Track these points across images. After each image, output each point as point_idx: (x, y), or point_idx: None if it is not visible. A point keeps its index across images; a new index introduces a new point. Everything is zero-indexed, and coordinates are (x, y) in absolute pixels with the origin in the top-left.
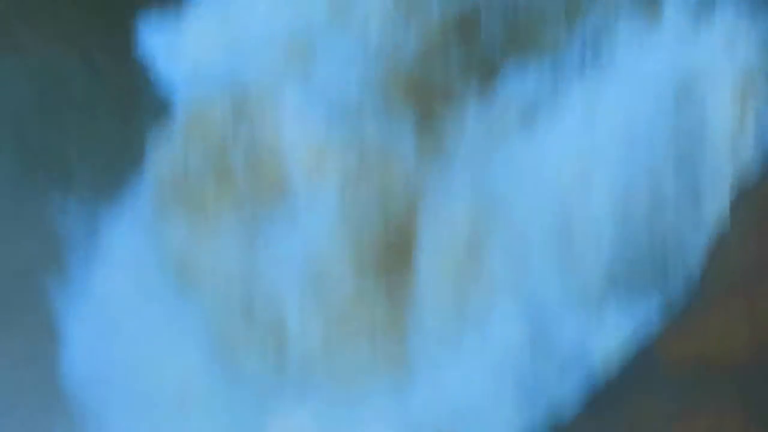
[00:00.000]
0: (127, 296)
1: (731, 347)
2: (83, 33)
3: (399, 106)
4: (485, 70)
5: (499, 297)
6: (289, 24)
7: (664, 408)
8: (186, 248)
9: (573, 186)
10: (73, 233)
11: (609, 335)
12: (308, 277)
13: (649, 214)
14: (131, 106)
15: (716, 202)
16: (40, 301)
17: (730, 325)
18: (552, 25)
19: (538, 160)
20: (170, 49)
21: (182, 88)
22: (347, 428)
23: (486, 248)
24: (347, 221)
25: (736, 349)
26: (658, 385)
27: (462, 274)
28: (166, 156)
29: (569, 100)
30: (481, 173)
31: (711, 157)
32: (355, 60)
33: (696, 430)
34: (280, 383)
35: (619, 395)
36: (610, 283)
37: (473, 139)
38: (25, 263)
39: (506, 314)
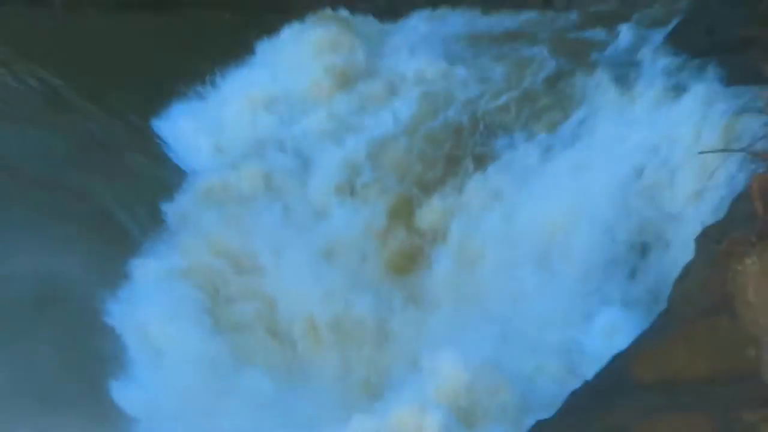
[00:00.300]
0: None
1: (696, 366)
2: (122, 107)
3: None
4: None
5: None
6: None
7: (634, 416)
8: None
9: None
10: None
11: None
12: None
13: (625, 250)
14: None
15: (683, 241)
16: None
17: (695, 346)
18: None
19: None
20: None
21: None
22: None
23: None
24: None
25: (700, 368)
26: (629, 399)
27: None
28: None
29: (558, 164)
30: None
31: (678, 206)
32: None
33: None
34: None
35: (591, 407)
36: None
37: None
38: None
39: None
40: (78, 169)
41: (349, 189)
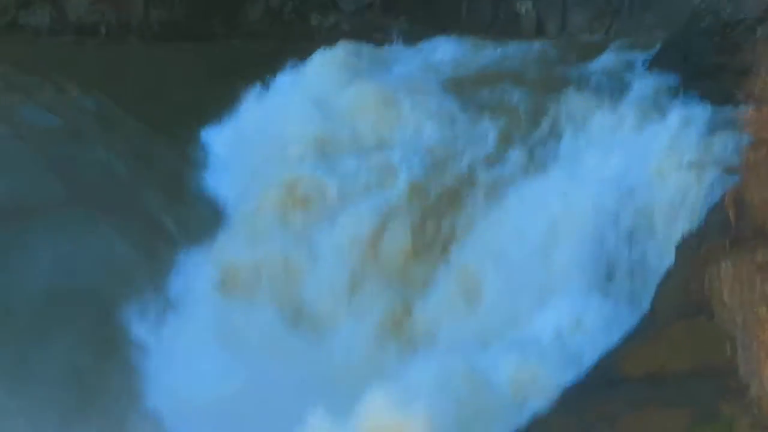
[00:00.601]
0: None
1: (678, 362)
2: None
3: None
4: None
5: None
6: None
7: (623, 408)
8: None
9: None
10: None
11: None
12: None
13: (612, 257)
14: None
15: (666, 250)
16: None
17: (677, 343)
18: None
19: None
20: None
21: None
22: None
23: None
24: None
25: (682, 364)
26: (618, 392)
27: None
28: None
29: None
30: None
31: (661, 213)
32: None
33: (647, 425)
34: None
35: (583, 400)
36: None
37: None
38: None
39: None
40: (126, 178)
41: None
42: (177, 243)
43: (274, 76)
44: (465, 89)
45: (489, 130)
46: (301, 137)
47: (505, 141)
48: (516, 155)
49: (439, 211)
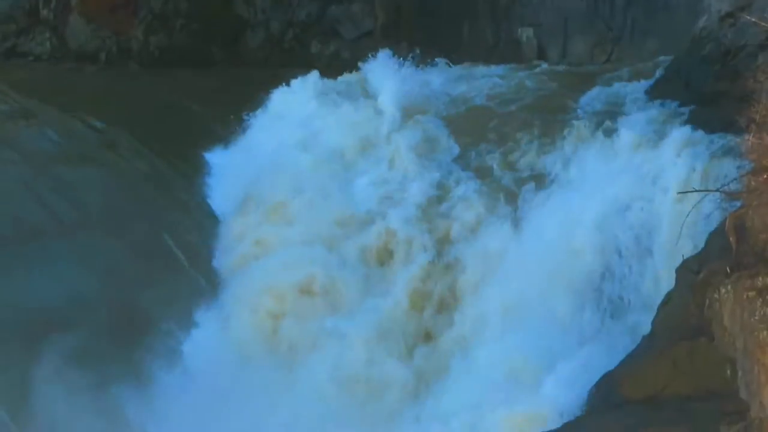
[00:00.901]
0: None
1: (678, 384)
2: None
3: None
4: None
5: None
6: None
7: (624, 430)
8: None
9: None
10: None
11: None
12: None
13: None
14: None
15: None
16: None
17: (677, 366)
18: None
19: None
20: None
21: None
22: None
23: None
24: None
25: (682, 386)
26: (619, 414)
27: None
28: None
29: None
30: None
31: (663, 238)
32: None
33: None
34: None
35: (584, 422)
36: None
37: None
38: None
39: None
40: (131, 200)
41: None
42: (180, 263)
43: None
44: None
45: (484, 158)
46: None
47: (504, 167)
48: (514, 179)
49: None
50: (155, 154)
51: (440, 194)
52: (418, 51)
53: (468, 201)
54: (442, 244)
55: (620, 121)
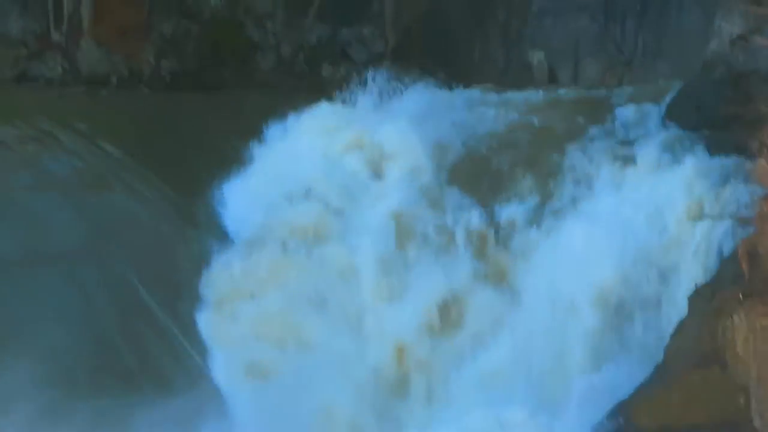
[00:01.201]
0: None
1: (691, 413)
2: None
3: None
4: None
5: None
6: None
7: None
8: None
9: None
10: None
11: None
12: None
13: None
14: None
15: (679, 295)
16: None
17: (690, 394)
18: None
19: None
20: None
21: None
22: None
23: None
24: None
25: (696, 415)
26: None
27: None
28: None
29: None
30: None
31: (675, 262)
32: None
33: None
34: None
35: None
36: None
37: None
38: None
39: None
40: (146, 223)
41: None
42: (195, 291)
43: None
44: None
45: (498, 182)
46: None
47: (514, 196)
48: (525, 208)
49: None
50: (167, 179)
51: None
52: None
53: None
54: None
55: (630, 145)
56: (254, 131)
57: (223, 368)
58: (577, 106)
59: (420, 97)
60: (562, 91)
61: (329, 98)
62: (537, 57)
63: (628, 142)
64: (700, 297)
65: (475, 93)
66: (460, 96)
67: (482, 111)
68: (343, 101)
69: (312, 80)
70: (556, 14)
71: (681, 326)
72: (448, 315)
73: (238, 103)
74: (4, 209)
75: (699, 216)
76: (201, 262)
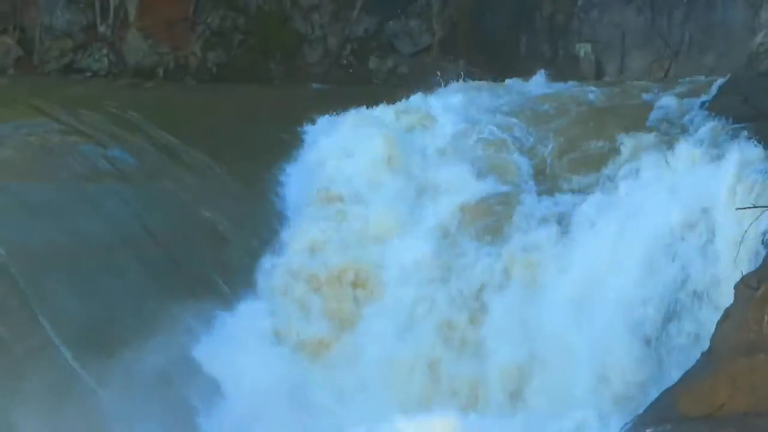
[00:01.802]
0: None
1: (736, 400)
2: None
3: None
4: None
5: None
6: None
7: None
8: None
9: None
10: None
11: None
12: None
13: (673, 289)
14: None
15: (724, 285)
16: None
17: (736, 382)
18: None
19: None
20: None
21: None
22: None
23: None
24: None
25: (741, 402)
26: (675, 429)
27: None
28: None
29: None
30: None
31: (721, 251)
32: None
33: None
34: None
35: None
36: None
37: None
38: None
39: None
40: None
41: None
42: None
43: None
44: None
45: (541, 170)
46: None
47: (558, 181)
48: (569, 197)
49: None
50: (223, 167)
51: None
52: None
53: None
54: None
55: (676, 136)
56: (302, 122)
57: None
58: (623, 97)
59: (467, 89)
60: (608, 84)
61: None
62: (584, 50)
63: (675, 134)
64: (746, 285)
65: (522, 85)
66: (507, 88)
67: (529, 102)
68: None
69: (358, 72)
70: (603, 7)
71: (727, 314)
72: None
73: (287, 96)
74: (55, 200)
75: (745, 205)
76: (257, 249)
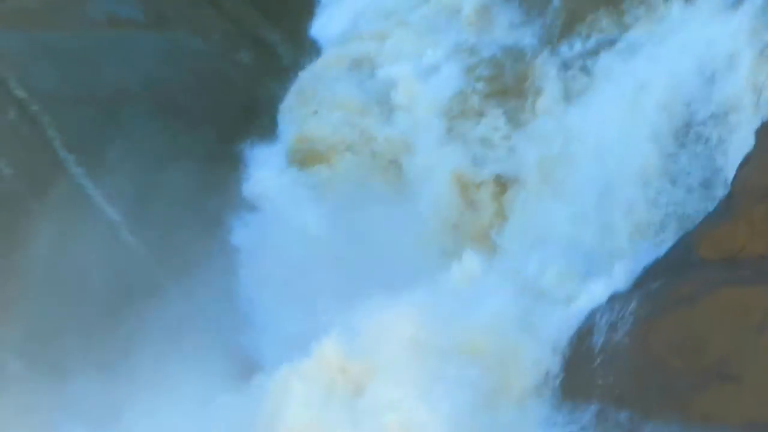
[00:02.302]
0: None
1: (755, 244)
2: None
3: None
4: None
5: None
6: None
7: (700, 289)
8: None
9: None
10: None
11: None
12: None
13: (691, 141)
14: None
15: (744, 133)
16: None
17: (754, 226)
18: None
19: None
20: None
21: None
22: None
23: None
24: None
25: (759, 246)
26: (696, 274)
27: None
28: None
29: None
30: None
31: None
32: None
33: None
34: None
35: (662, 281)
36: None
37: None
38: None
39: None
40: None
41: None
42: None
43: None
44: None
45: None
46: None
47: (575, 31)
48: (588, 44)
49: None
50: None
51: None
52: None
53: None
54: None
55: None
56: None
57: None
58: None
59: None
60: None
61: None
62: None
63: None
64: (767, 130)
65: None
66: None
67: None
68: None
69: None
70: None
71: (747, 159)
72: None
73: None
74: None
75: (765, 52)
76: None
